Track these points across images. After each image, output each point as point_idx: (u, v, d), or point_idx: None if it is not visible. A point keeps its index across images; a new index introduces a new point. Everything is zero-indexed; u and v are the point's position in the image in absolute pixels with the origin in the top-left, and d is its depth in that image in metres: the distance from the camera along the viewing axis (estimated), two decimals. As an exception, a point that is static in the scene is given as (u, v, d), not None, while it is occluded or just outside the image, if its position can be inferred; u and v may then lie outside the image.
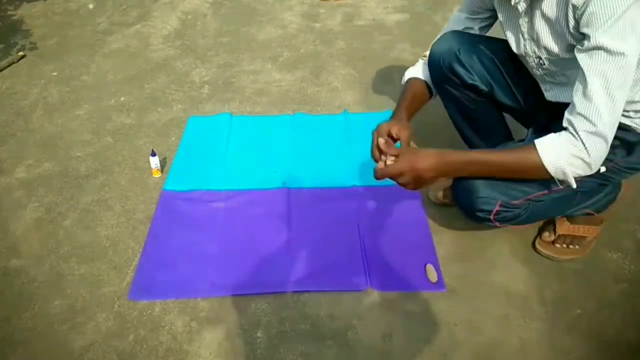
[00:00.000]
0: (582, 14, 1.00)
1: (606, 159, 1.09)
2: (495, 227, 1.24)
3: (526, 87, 1.36)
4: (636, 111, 1.15)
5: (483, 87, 1.38)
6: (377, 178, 1.14)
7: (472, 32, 1.40)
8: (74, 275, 1.38)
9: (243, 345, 1.20)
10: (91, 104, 2.14)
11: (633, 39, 0.97)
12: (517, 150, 1.10)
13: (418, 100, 1.39)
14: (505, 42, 1.28)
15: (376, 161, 1.20)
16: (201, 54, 2.51)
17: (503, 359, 1.17)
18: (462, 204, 1.24)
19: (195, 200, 1.60)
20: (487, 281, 1.34)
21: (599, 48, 0.98)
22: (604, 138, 1.01)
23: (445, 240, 1.46)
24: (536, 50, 1.18)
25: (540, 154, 1.04)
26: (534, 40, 1.17)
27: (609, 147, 1.03)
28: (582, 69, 1.01)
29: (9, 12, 2.97)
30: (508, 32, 1.25)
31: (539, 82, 1.29)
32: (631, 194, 1.44)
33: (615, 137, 1.08)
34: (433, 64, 1.38)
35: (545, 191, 1.19)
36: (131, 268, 1.39)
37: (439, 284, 1.32)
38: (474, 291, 1.31)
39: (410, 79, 1.41)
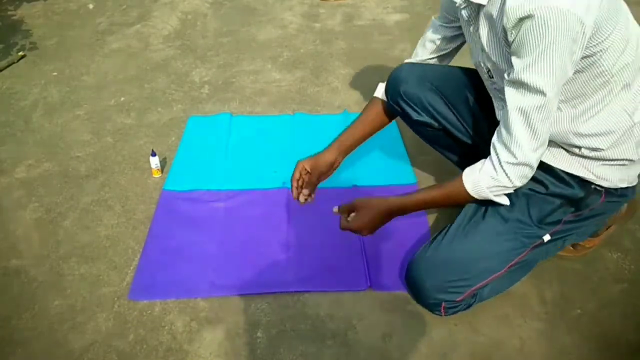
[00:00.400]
0: (513, 40, 0.97)
1: (551, 222, 1.15)
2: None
3: (479, 119, 1.31)
4: (592, 149, 1.09)
5: (433, 123, 1.36)
6: (341, 229, 1.22)
7: (445, 40, 1.35)
8: (74, 275, 1.38)
9: (243, 345, 1.20)
10: (91, 104, 2.14)
11: (553, 79, 0.94)
12: (447, 185, 1.13)
13: (369, 125, 1.42)
14: (460, 71, 1.31)
15: (294, 197, 1.35)
16: (201, 54, 2.51)
17: (503, 359, 1.17)
18: (413, 297, 1.26)
19: (195, 200, 1.60)
20: (487, 281, 1.34)
21: (520, 83, 0.97)
22: (527, 165, 1.02)
23: (445, 240, 1.45)
24: (485, 60, 1.12)
25: (465, 186, 1.08)
26: (482, 49, 1.11)
27: (534, 168, 1.04)
28: (505, 99, 1.01)
29: (9, 12, 2.97)
30: (468, 40, 1.21)
31: (492, 99, 1.23)
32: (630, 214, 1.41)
33: (558, 196, 1.13)
34: (387, 96, 1.39)
35: (494, 275, 1.17)
36: (131, 268, 1.39)
37: (439, 284, 1.32)
38: (474, 291, 1.31)
39: (372, 99, 1.42)
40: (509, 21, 0.94)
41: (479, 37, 1.09)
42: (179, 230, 1.50)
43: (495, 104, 1.22)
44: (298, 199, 1.35)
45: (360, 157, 1.74)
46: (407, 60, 1.42)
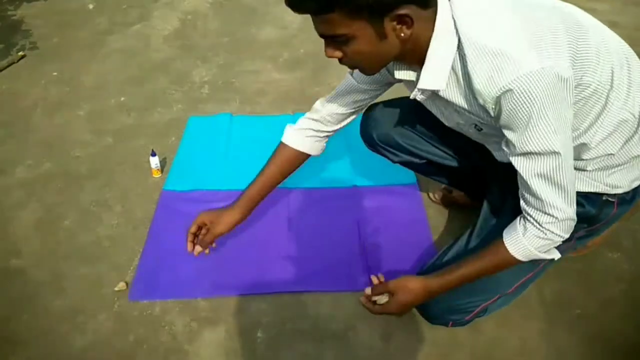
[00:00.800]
0: (497, 114, 0.91)
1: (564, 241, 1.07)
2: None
3: (461, 143, 1.25)
4: (605, 156, 1.04)
5: (414, 160, 1.35)
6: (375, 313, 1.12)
7: (371, 96, 1.23)
8: (74, 275, 1.38)
9: (243, 345, 1.20)
10: (91, 104, 2.14)
11: (558, 135, 0.90)
12: (488, 254, 1.05)
13: (280, 175, 1.32)
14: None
15: (188, 250, 1.24)
16: (201, 54, 2.51)
17: (503, 359, 1.17)
18: (423, 316, 1.22)
19: (195, 200, 1.60)
20: (487, 281, 1.34)
21: (528, 153, 0.92)
22: (569, 219, 0.98)
23: (445, 240, 1.45)
24: (468, 119, 1.04)
25: (511, 253, 1.01)
26: (457, 112, 1.03)
27: (576, 218, 0.99)
28: (519, 172, 0.96)
29: (9, 12, 2.97)
30: (432, 110, 1.12)
31: (485, 145, 1.17)
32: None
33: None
34: (363, 141, 1.40)
35: (503, 292, 1.14)
36: (131, 268, 1.39)
37: (439, 284, 1.32)
38: (474, 291, 1.31)
39: (280, 145, 1.32)
40: (486, 101, 0.90)
41: (452, 106, 1.01)
42: (179, 230, 1.49)
43: (490, 147, 1.16)
44: (192, 251, 1.25)
45: (360, 157, 1.74)
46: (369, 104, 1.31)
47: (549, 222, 0.97)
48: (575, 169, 1.04)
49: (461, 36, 0.88)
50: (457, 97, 0.96)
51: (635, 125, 1.03)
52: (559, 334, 1.21)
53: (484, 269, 1.06)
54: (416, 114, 1.24)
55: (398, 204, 1.57)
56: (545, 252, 1.02)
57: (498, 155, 1.16)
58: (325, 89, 2.19)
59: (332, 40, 0.95)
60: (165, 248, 1.44)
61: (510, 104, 0.87)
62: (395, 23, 0.86)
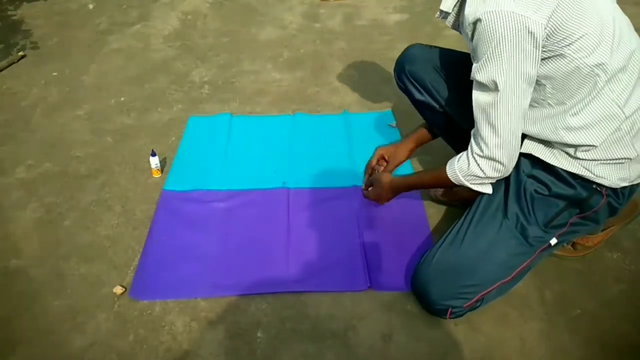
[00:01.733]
0: (472, 43, 1.05)
1: (558, 225, 1.16)
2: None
3: None
4: (586, 146, 1.10)
5: (434, 104, 1.40)
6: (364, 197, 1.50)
7: None
8: (74, 275, 1.38)
9: (243, 345, 1.20)
10: (91, 104, 2.14)
11: (505, 76, 1.00)
12: (436, 171, 1.26)
13: (425, 136, 1.54)
14: (466, 56, 1.27)
15: (366, 174, 1.59)
16: (201, 54, 2.51)
17: (503, 358, 1.17)
18: (420, 303, 1.27)
19: (195, 200, 1.60)
20: (487, 281, 1.34)
21: (477, 82, 1.06)
22: (494, 160, 1.10)
23: (445, 240, 1.45)
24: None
25: (447, 172, 1.20)
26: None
27: (505, 164, 1.11)
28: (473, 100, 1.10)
29: (9, 12, 2.97)
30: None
31: None
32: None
33: (561, 197, 1.15)
34: (394, 74, 1.48)
35: (501, 281, 1.18)
36: (131, 268, 1.39)
37: (439, 284, 1.32)
38: (474, 291, 1.31)
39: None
40: (466, 27, 1.05)
41: (463, 34, 1.16)
42: (179, 230, 1.49)
43: None
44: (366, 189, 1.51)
45: (360, 158, 1.74)
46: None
47: (477, 154, 1.11)
48: (567, 153, 1.12)
49: None
50: (462, 23, 1.09)
51: (621, 124, 1.07)
52: (559, 334, 1.21)
53: (429, 180, 1.31)
54: (450, 64, 1.36)
55: (398, 204, 1.57)
56: (472, 182, 1.17)
57: None
58: (325, 89, 2.19)
59: None
60: (165, 248, 1.43)
61: (478, 33, 1.01)
62: None
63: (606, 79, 1.03)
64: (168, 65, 2.42)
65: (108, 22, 2.87)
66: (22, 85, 2.28)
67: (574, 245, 1.37)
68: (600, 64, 1.01)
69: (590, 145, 1.09)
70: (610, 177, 1.12)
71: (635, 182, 1.16)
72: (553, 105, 1.09)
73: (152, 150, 1.69)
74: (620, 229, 1.43)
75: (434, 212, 1.55)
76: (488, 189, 1.19)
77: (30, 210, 1.60)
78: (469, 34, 1.05)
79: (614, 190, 1.15)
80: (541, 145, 1.16)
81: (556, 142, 1.13)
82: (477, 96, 1.07)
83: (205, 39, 2.67)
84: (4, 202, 1.63)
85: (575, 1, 0.99)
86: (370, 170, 1.57)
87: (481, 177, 1.14)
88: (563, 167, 1.14)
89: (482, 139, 1.09)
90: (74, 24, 2.85)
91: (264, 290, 1.32)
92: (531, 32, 0.96)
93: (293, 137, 1.88)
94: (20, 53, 2.50)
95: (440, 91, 1.38)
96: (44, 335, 1.22)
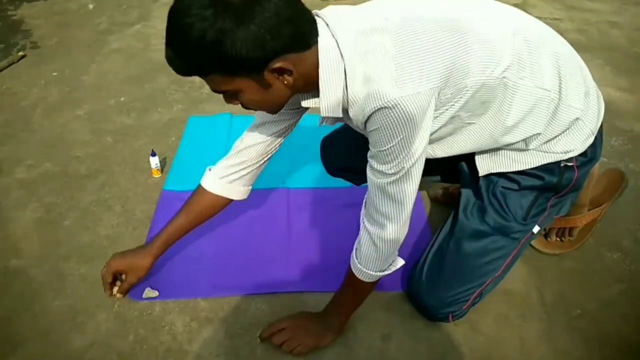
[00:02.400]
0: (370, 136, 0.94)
1: (538, 212, 1.14)
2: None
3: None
4: (533, 136, 1.05)
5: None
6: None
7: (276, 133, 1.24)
8: (74, 275, 1.38)
9: (243, 345, 1.20)
10: (91, 104, 2.14)
11: (412, 160, 0.91)
12: (346, 282, 1.14)
13: (197, 219, 1.28)
14: None
15: (109, 295, 1.27)
16: (201, 54, 2.51)
17: (503, 359, 1.17)
18: (420, 312, 1.26)
19: (195, 200, 1.60)
20: (487, 281, 1.34)
21: (377, 170, 0.95)
22: (399, 239, 1.05)
23: (445, 240, 1.45)
24: None
25: (362, 280, 1.09)
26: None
27: (405, 232, 1.05)
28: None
29: (9, 12, 2.97)
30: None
31: None
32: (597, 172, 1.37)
33: (534, 189, 1.11)
34: (327, 170, 1.48)
35: (494, 275, 1.18)
36: (131, 268, 1.39)
37: (439, 284, 1.32)
38: (474, 291, 1.31)
39: (198, 187, 1.27)
40: (358, 124, 0.94)
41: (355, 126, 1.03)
42: (179, 230, 1.49)
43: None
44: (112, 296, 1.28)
45: (360, 157, 1.74)
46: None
47: (382, 234, 1.01)
48: (518, 150, 1.08)
49: (346, 63, 0.87)
50: (355, 119, 0.94)
51: (556, 98, 1.02)
52: (559, 334, 1.21)
53: (355, 297, 1.16)
54: (351, 141, 1.22)
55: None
56: (385, 270, 1.08)
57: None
58: (325, 89, 2.19)
59: (224, 94, 0.97)
60: (165, 248, 1.43)
61: (372, 125, 0.89)
62: (275, 74, 0.86)
63: (514, 76, 0.96)
64: (168, 65, 2.42)
65: (108, 22, 2.87)
66: (22, 85, 2.28)
67: (570, 232, 1.37)
68: (503, 71, 0.94)
69: (537, 134, 1.05)
70: (575, 144, 1.07)
71: (596, 131, 1.10)
72: (477, 122, 1.01)
73: (152, 150, 1.69)
74: (620, 229, 1.43)
75: (434, 212, 1.55)
76: (401, 262, 1.11)
77: (30, 210, 1.60)
78: (360, 127, 0.95)
79: (582, 153, 1.10)
80: (492, 157, 1.13)
81: (507, 146, 1.09)
82: (380, 180, 0.95)
83: (205, 39, 2.67)
84: (4, 202, 1.63)
85: (459, 30, 0.90)
86: (108, 292, 1.26)
87: (388, 254, 1.05)
88: (529, 167, 1.11)
89: (387, 217, 1.00)
90: (74, 24, 2.85)
91: (263, 291, 1.32)
92: (424, 106, 0.87)
93: (293, 137, 1.87)
94: (20, 53, 2.50)
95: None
96: (44, 335, 1.22)
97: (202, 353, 1.18)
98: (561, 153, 1.08)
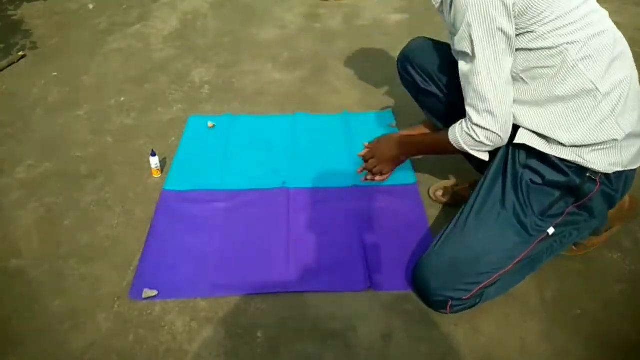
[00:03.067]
0: (450, 17, 1.16)
1: (553, 215, 1.18)
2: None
3: None
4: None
5: (438, 94, 1.44)
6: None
7: None
8: (74, 275, 1.38)
9: (243, 345, 1.20)
10: (91, 104, 2.14)
11: (480, 45, 1.10)
12: (439, 134, 1.34)
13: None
14: None
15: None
16: (201, 54, 2.51)
17: (503, 359, 1.17)
18: (419, 297, 1.28)
19: (195, 200, 1.60)
20: (487, 281, 1.34)
21: (457, 53, 1.17)
22: (486, 128, 1.18)
23: (445, 240, 1.45)
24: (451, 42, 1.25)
25: (448, 136, 1.28)
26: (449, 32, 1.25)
27: (496, 131, 1.17)
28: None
29: (9, 12, 2.97)
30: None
31: None
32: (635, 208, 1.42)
33: (556, 185, 1.16)
34: (398, 64, 1.55)
35: (501, 271, 1.19)
36: (131, 268, 1.39)
37: (439, 284, 1.32)
38: (474, 291, 1.31)
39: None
40: (446, 3, 1.16)
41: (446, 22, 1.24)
42: (179, 230, 1.49)
43: None
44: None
45: (360, 158, 1.74)
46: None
47: (470, 121, 1.20)
48: (558, 142, 1.14)
49: None
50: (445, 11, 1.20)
51: (606, 107, 1.10)
52: (559, 334, 1.21)
53: (436, 140, 1.36)
54: (440, 53, 1.43)
55: (398, 204, 1.57)
56: (470, 147, 1.24)
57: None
58: (325, 89, 2.19)
59: None
60: (165, 248, 1.44)
61: (454, 5, 1.12)
62: None
63: (577, 57, 1.08)
64: (168, 65, 2.42)
65: (108, 22, 2.87)
66: (22, 85, 2.28)
67: (576, 244, 1.37)
68: (571, 42, 1.07)
69: (574, 126, 1.12)
70: (602, 162, 1.12)
71: (628, 168, 1.15)
72: (530, 84, 1.16)
73: (152, 150, 1.69)
74: (620, 230, 1.43)
75: (434, 212, 1.55)
76: (485, 156, 1.26)
77: (30, 210, 1.60)
78: (448, 8, 1.15)
79: (607, 176, 1.15)
80: (534, 134, 1.18)
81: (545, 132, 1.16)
82: (461, 67, 1.17)
83: (205, 39, 2.67)
84: (4, 202, 1.63)
85: None
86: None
87: (477, 142, 1.21)
88: (556, 155, 1.15)
89: (472, 107, 1.17)
90: (74, 24, 2.85)
91: (263, 291, 1.31)
92: (506, 6, 1.05)
93: (293, 137, 1.88)
94: (20, 53, 2.50)
95: (443, 80, 1.42)
96: (44, 335, 1.22)
97: (202, 353, 1.18)
98: (587, 162, 1.13)
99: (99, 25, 2.83)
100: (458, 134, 1.24)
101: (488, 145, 1.21)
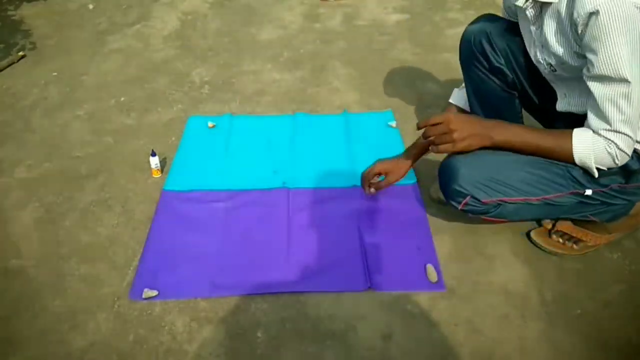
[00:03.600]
0: (583, 35, 1.04)
1: (600, 184, 1.17)
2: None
3: (548, 87, 1.34)
4: None
5: (508, 73, 1.39)
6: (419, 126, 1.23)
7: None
8: (74, 275, 1.38)
9: (243, 345, 1.20)
10: (91, 104, 2.13)
11: (631, 66, 1.01)
12: (553, 134, 1.18)
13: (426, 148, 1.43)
14: None
15: (365, 192, 1.52)
16: (201, 54, 2.51)
17: (503, 359, 1.17)
18: (440, 185, 1.28)
19: (195, 200, 1.60)
20: (487, 281, 1.34)
21: (602, 77, 1.05)
22: (620, 132, 1.08)
23: (445, 240, 1.46)
24: (547, 57, 1.21)
25: (573, 144, 1.13)
26: (543, 46, 1.20)
27: (631, 135, 1.09)
28: (593, 94, 1.08)
29: (9, 12, 2.97)
30: (524, 36, 1.29)
31: (555, 88, 1.30)
32: None
33: (619, 167, 1.14)
34: (464, 42, 1.43)
35: (528, 197, 1.19)
36: (131, 268, 1.39)
37: (439, 284, 1.32)
38: (474, 291, 1.31)
39: (448, 105, 1.52)
40: (579, 16, 1.02)
41: (543, 35, 1.17)
42: (179, 230, 1.49)
43: (558, 93, 1.29)
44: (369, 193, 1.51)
45: (360, 158, 1.74)
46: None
47: (617, 145, 1.09)
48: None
49: None
50: (558, 16, 1.10)
51: None
52: (559, 334, 1.21)
53: (542, 142, 1.16)
54: (517, 34, 1.33)
55: (398, 204, 1.57)
56: (596, 161, 1.13)
57: (560, 105, 1.28)
58: (325, 89, 2.19)
59: None
60: (165, 248, 1.44)
61: (595, 25, 0.99)
62: None
63: None
64: (168, 65, 2.42)
65: (108, 22, 2.87)
66: (22, 85, 2.28)
67: (577, 242, 1.37)
68: None
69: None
70: None
71: None
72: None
73: (152, 150, 1.69)
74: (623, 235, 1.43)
75: (434, 212, 1.55)
76: (596, 173, 1.16)
77: (30, 210, 1.60)
78: (581, 22, 1.03)
79: None
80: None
81: None
82: (604, 89, 1.06)
83: (205, 39, 2.67)
84: (4, 202, 1.63)
85: None
86: (368, 183, 1.50)
87: (611, 163, 1.12)
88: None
89: (618, 132, 1.08)
90: (74, 24, 2.85)
91: (263, 291, 1.31)
92: None
93: (293, 137, 1.88)
94: (20, 53, 2.50)
95: (512, 58, 1.37)
96: (44, 335, 1.22)
97: (202, 353, 1.18)
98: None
99: (99, 25, 2.83)
100: (592, 149, 1.12)
101: (620, 156, 1.12)
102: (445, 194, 1.25)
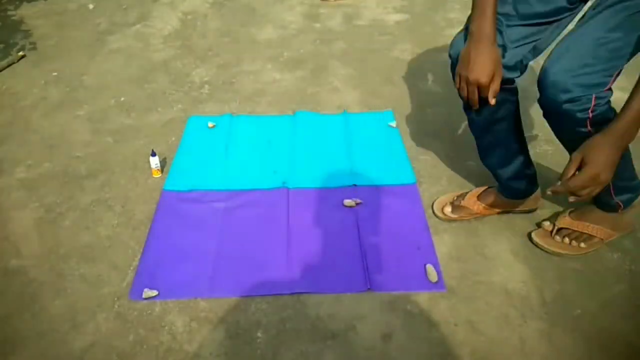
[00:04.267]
0: None
1: None
2: (589, 133, 1.09)
3: None
4: None
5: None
6: (557, 192, 1.06)
7: None
8: (74, 275, 1.38)
9: (243, 345, 1.20)
10: (91, 104, 2.14)
11: None
12: None
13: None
14: None
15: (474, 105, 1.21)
16: (201, 54, 2.51)
17: (503, 359, 1.17)
18: (558, 109, 1.12)
19: (195, 200, 1.60)
20: (487, 281, 1.34)
21: None
22: None
23: (445, 240, 1.46)
24: None
25: None
26: None
27: None
28: None
29: (9, 12, 2.97)
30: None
31: None
32: None
33: None
34: (452, 56, 1.27)
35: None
36: (131, 268, 1.39)
37: (439, 284, 1.32)
38: (474, 291, 1.31)
39: None
40: None
41: None
42: (179, 230, 1.50)
43: None
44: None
45: (360, 157, 1.74)
46: None
47: None
48: None
49: None
50: None
51: None
52: (559, 334, 1.21)
53: None
54: None
55: (398, 204, 1.57)
56: None
57: None
58: (325, 89, 2.19)
59: None
60: (165, 248, 1.44)
61: None
62: None
63: None
64: (168, 65, 2.42)
65: (108, 22, 2.87)
66: (22, 85, 2.28)
67: (583, 240, 1.37)
68: None
69: None
70: None
71: None
72: None
73: (152, 150, 1.69)
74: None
75: (433, 214, 1.55)
76: None
77: (30, 210, 1.60)
78: None
79: None
80: None
81: None
82: None
83: (205, 39, 2.67)
84: (4, 202, 1.63)
85: None
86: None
87: None
88: None
89: None
90: (74, 24, 2.85)
91: (263, 292, 1.31)
92: None
93: (293, 137, 1.88)
94: (20, 53, 2.50)
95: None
96: (44, 335, 1.22)
97: (202, 353, 1.18)
98: None
99: (99, 25, 2.83)
100: None
101: None
102: (563, 114, 1.11)
